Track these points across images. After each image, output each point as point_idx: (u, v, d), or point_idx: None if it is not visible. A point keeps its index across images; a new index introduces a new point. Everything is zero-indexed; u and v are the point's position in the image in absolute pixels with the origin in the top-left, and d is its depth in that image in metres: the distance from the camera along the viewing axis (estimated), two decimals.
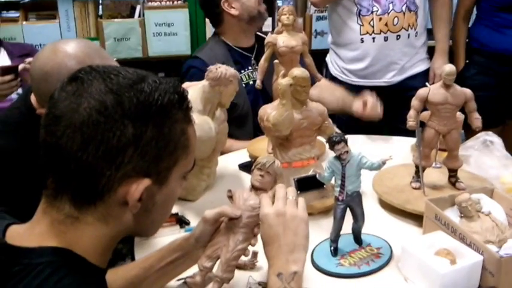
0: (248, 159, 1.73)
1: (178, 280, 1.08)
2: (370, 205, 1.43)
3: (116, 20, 2.83)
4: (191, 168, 0.82)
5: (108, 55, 1.25)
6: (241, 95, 1.62)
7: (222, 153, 1.65)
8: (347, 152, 1.14)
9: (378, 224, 1.33)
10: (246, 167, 1.64)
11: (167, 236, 1.28)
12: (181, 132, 0.76)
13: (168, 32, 2.79)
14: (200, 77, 1.47)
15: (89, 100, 0.70)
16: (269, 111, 1.35)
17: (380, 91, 2.28)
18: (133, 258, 1.23)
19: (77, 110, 0.70)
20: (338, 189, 1.16)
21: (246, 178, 1.06)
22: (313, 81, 1.57)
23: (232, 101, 1.51)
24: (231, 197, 1.08)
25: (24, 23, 2.77)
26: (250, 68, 2.13)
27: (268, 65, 1.70)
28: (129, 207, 0.73)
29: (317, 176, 1.20)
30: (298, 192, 1.36)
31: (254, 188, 1.07)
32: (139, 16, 2.85)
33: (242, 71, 2.10)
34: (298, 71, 1.36)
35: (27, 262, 0.70)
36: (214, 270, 1.03)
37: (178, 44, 2.80)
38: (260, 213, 0.97)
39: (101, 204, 0.73)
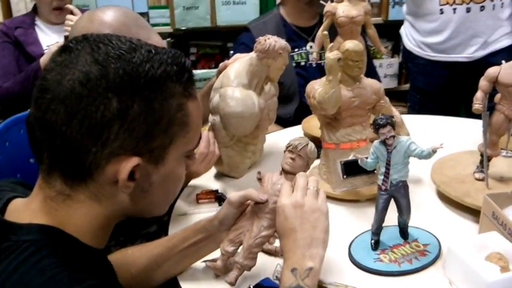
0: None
1: (203, 262, 1.04)
2: (426, 195, 1.31)
3: None
4: (195, 147, 0.76)
5: (148, 24, 1.20)
6: (289, 75, 1.49)
7: None
8: (393, 136, 1.03)
9: (431, 217, 1.20)
10: None
11: (205, 213, 1.24)
12: (178, 108, 0.70)
13: (237, 0, 2.74)
14: None
15: (73, 71, 0.65)
16: (316, 88, 1.25)
17: (459, 68, 2.09)
18: (166, 233, 1.21)
19: (61, 81, 0.65)
20: (382, 177, 1.05)
21: None
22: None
23: (279, 80, 1.42)
24: (260, 180, 1.01)
25: None
26: (305, 48, 2.02)
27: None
28: (119, 186, 0.69)
29: (359, 161, 1.09)
30: (345, 176, 1.26)
31: (284, 172, 0.99)
32: None
33: (295, 50, 1.99)
34: (351, 44, 1.24)
35: (16, 239, 0.67)
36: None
37: (247, 12, 2.74)
38: (277, 204, 0.89)
39: (91, 183, 0.69)
